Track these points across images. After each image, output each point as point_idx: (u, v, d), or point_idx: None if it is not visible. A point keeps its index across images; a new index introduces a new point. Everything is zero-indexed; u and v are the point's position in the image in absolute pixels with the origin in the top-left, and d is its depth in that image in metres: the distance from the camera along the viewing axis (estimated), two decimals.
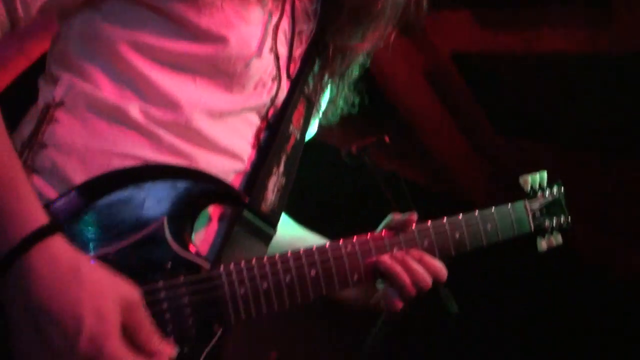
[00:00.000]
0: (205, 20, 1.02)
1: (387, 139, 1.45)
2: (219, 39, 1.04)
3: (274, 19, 1.13)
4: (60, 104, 1.00)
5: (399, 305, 1.16)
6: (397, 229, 1.18)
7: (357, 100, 1.39)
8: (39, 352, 0.77)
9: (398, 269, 1.12)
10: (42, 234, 0.79)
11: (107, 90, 1.01)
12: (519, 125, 3.62)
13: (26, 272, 0.77)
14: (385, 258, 1.13)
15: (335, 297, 1.25)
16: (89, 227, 0.91)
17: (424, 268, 1.14)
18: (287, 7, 1.16)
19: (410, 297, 1.14)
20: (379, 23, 1.23)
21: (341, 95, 1.36)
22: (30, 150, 0.97)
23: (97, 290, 0.80)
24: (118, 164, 0.98)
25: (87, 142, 0.99)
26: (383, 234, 1.16)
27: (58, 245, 0.81)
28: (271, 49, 1.13)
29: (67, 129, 0.99)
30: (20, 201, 0.81)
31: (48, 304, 0.77)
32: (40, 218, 0.81)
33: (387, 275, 1.13)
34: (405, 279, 1.12)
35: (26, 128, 1.01)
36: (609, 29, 2.63)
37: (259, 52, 1.10)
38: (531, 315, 3.62)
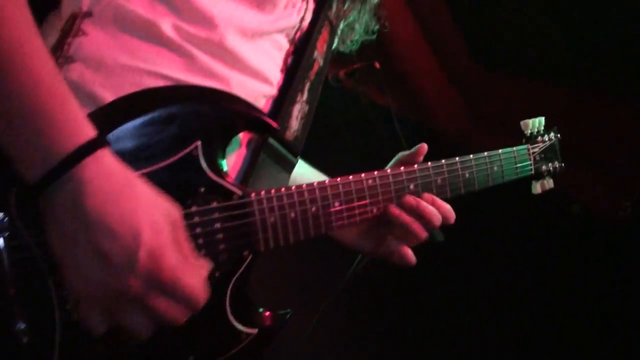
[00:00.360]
0: None
1: (377, 64, 1.44)
2: None
3: None
4: (88, 14, 0.93)
5: (412, 257, 1.20)
6: (408, 162, 1.20)
7: (376, 27, 1.36)
8: (94, 267, 0.75)
9: (408, 217, 1.14)
10: (93, 146, 0.76)
11: (136, 2, 0.95)
12: (499, 56, 3.59)
13: (78, 184, 0.74)
14: (394, 208, 1.14)
15: (346, 243, 1.27)
16: (123, 147, 0.88)
17: (435, 211, 1.17)
18: None
19: (421, 241, 1.17)
20: None
21: (361, 21, 1.33)
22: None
23: (150, 205, 0.79)
24: (150, 83, 0.94)
25: (116, 58, 0.93)
26: (402, 169, 1.17)
27: (109, 158, 0.78)
28: None
29: (95, 43, 0.93)
30: (69, 112, 0.77)
31: (105, 218, 0.75)
32: (90, 130, 0.77)
33: (397, 223, 1.14)
34: (417, 227, 1.15)
35: (47, 38, 0.94)
36: None
37: None
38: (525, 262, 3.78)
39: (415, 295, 3.62)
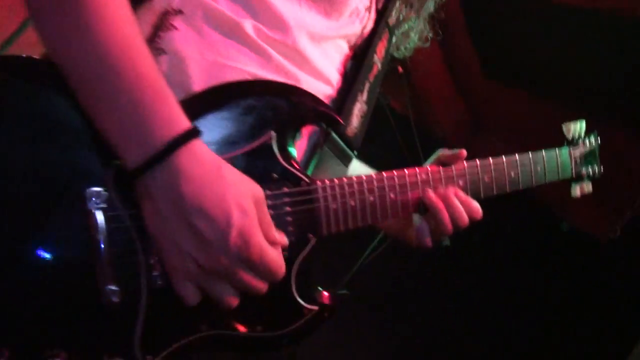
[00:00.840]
0: None
1: (400, 69, 1.48)
2: None
3: None
4: (179, 12, 1.02)
5: (429, 242, 1.25)
6: (447, 163, 1.26)
7: (430, 35, 1.43)
8: (189, 245, 0.84)
9: (441, 205, 1.19)
10: (188, 136, 0.85)
11: (223, 3, 1.04)
12: (510, 73, 3.65)
13: (175, 171, 0.83)
14: (431, 193, 1.19)
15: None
16: (208, 134, 0.96)
17: (463, 207, 1.21)
18: None
19: (447, 233, 1.23)
20: None
21: (416, 29, 1.41)
22: None
23: (237, 188, 0.87)
24: (231, 76, 1.03)
25: (203, 52, 1.02)
26: (452, 167, 1.24)
27: (201, 147, 0.87)
28: None
29: (184, 38, 1.02)
30: (166, 103, 0.86)
31: (199, 202, 0.83)
32: (185, 121, 0.86)
33: (431, 209, 1.19)
34: (446, 218, 1.20)
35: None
36: None
37: None
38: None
39: (414, 298, 3.74)
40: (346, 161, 1.23)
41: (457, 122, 4.24)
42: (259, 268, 0.88)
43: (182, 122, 0.86)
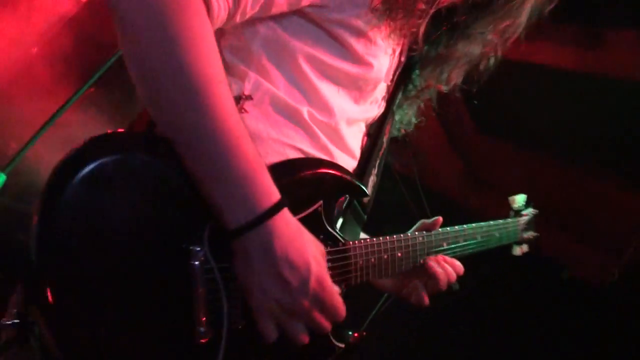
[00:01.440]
0: (361, 48, 1.30)
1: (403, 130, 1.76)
2: (367, 64, 1.33)
3: (397, 52, 1.45)
4: (249, 97, 1.23)
5: (426, 299, 1.55)
6: (429, 229, 1.57)
7: (414, 120, 1.74)
8: (277, 290, 1.05)
9: (440, 270, 1.52)
10: (281, 205, 1.06)
11: (284, 91, 1.26)
12: (499, 127, 4.01)
13: (270, 231, 1.04)
14: (433, 261, 1.52)
15: (377, 284, 1.63)
16: None
17: (451, 267, 1.55)
18: (405, 46, 1.48)
19: (440, 292, 1.54)
20: (457, 69, 1.59)
21: (413, 109, 1.71)
22: None
23: (312, 244, 1.10)
24: (290, 152, 1.25)
25: (269, 132, 1.23)
26: (440, 231, 1.56)
27: (287, 213, 1.08)
28: (389, 77, 1.45)
29: (254, 120, 1.23)
30: (265, 177, 1.05)
31: (287, 255, 1.05)
32: (277, 192, 1.07)
33: (431, 273, 1.51)
34: (443, 278, 1.52)
35: None
36: (596, 49, 3.06)
37: (386, 78, 1.42)
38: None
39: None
40: (361, 224, 1.48)
41: (457, 178, 4.63)
42: (329, 309, 1.11)
43: (276, 193, 1.06)
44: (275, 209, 1.05)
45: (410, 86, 1.62)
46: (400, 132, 1.75)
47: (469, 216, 1.72)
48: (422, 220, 1.63)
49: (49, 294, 0.92)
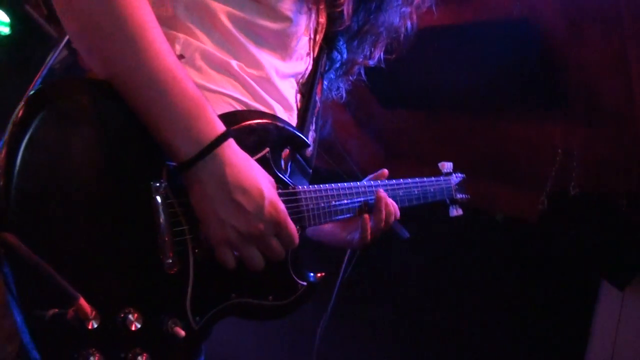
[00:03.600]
0: (280, 5, 1.39)
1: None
2: (286, 18, 1.42)
3: (313, 10, 1.52)
4: (182, 56, 1.29)
5: (369, 237, 1.65)
6: (377, 179, 1.72)
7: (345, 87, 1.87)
8: (232, 216, 1.12)
9: (382, 203, 1.63)
10: (227, 134, 1.14)
11: (213, 47, 1.33)
12: (396, 97, 4.16)
13: (220, 159, 1.12)
14: (382, 191, 1.66)
15: (326, 237, 1.73)
16: None
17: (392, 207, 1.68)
18: (322, 5, 1.57)
19: (381, 230, 1.64)
20: (379, 42, 1.75)
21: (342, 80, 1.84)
22: None
23: (263, 172, 1.19)
24: (227, 101, 1.33)
25: (206, 86, 1.30)
26: (387, 181, 1.70)
27: (234, 144, 1.16)
28: (308, 32, 1.54)
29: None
30: (208, 110, 1.14)
31: (239, 180, 1.13)
32: (221, 124, 1.15)
33: (377, 204, 1.63)
34: (384, 211, 1.63)
35: None
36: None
37: (305, 32, 1.51)
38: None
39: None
40: (307, 176, 1.57)
41: (370, 156, 4.73)
42: (283, 232, 1.18)
43: (221, 125, 1.15)
44: (222, 138, 1.13)
45: (336, 53, 1.74)
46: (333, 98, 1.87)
47: None
48: (369, 176, 1.77)
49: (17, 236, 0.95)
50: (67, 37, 2.49)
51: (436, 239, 4.21)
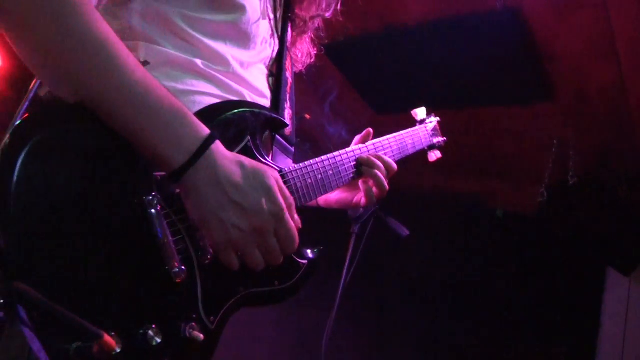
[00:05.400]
0: None
1: (307, 116, 1.90)
2: (239, 8, 1.40)
3: None
4: (147, 63, 1.28)
5: (372, 194, 1.67)
6: (364, 139, 1.74)
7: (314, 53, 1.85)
8: (232, 216, 1.13)
9: (373, 159, 1.66)
10: (213, 137, 1.14)
11: (175, 50, 1.32)
12: (389, 101, 4.15)
13: (212, 162, 1.12)
14: (364, 155, 1.68)
15: (331, 202, 1.76)
16: None
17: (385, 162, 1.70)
18: None
19: (383, 186, 1.67)
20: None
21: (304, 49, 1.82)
22: None
23: (256, 168, 1.19)
24: (199, 99, 1.33)
25: (175, 87, 1.30)
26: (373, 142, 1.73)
27: (220, 145, 1.17)
28: (266, 13, 1.53)
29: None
30: (189, 116, 1.14)
31: (233, 180, 1.14)
32: (205, 128, 1.15)
33: (368, 164, 1.65)
34: (380, 166, 1.66)
35: None
36: None
37: (263, 15, 1.50)
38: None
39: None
40: (290, 155, 1.58)
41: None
42: (284, 223, 1.19)
43: (204, 128, 1.15)
44: (209, 140, 1.13)
45: (298, 20, 1.73)
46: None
47: None
48: (355, 139, 1.79)
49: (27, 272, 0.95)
50: None
51: (437, 239, 4.27)
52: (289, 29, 1.69)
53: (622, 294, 3.89)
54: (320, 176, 1.51)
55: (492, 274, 4.39)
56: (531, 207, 4.00)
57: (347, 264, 2.88)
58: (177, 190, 1.17)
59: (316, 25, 1.80)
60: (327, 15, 1.77)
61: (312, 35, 1.82)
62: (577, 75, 3.44)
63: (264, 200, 1.16)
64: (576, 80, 3.47)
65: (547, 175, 3.91)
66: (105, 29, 1.07)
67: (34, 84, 1.37)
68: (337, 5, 1.76)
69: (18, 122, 1.01)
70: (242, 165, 1.18)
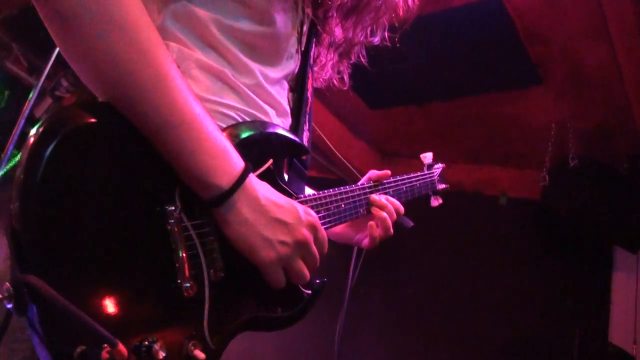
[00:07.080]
0: (269, 7, 1.36)
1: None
2: (270, 20, 1.38)
3: (299, 3, 1.49)
4: (178, 66, 1.29)
5: (378, 237, 1.69)
6: (377, 180, 1.74)
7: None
8: (276, 232, 1.18)
9: (383, 202, 1.68)
10: (248, 169, 1.17)
11: (205, 56, 1.31)
12: (386, 96, 4.16)
13: (250, 186, 1.17)
14: (374, 196, 1.69)
15: (337, 234, 1.77)
16: None
17: (395, 206, 1.73)
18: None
19: (388, 229, 1.68)
20: (378, 16, 1.66)
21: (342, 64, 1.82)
22: None
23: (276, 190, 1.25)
24: (229, 113, 1.33)
25: (203, 95, 1.28)
26: (386, 180, 1.75)
27: (252, 174, 1.20)
28: (295, 27, 1.50)
29: None
30: (230, 147, 1.17)
31: (272, 201, 1.20)
32: (241, 159, 1.18)
33: (376, 205, 1.67)
34: (390, 208, 1.69)
35: None
36: None
37: (292, 30, 1.48)
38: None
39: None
40: (304, 180, 1.58)
41: (365, 158, 4.74)
42: (320, 232, 1.27)
43: (241, 160, 1.18)
44: (247, 170, 1.17)
45: (327, 37, 1.70)
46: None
47: None
48: (372, 171, 1.80)
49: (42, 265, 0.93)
50: (39, 85, 2.38)
51: (444, 230, 4.27)
52: (313, 46, 1.66)
53: (631, 271, 3.93)
54: (334, 208, 1.51)
55: (500, 263, 4.38)
56: (534, 192, 4.02)
57: (353, 259, 2.89)
58: (202, 207, 1.16)
59: (355, 50, 1.78)
60: (375, 41, 1.75)
61: (349, 57, 1.80)
62: (569, 58, 3.45)
63: (301, 213, 1.22)
64: (569, 62, 3.49)
65: (547, 159, 3.92)
66: (160, 39, 1.10)
67: (29, 101, 1.36)
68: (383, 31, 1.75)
69: (48, 115, 1.00)
70: (271, 188, 1.24)
